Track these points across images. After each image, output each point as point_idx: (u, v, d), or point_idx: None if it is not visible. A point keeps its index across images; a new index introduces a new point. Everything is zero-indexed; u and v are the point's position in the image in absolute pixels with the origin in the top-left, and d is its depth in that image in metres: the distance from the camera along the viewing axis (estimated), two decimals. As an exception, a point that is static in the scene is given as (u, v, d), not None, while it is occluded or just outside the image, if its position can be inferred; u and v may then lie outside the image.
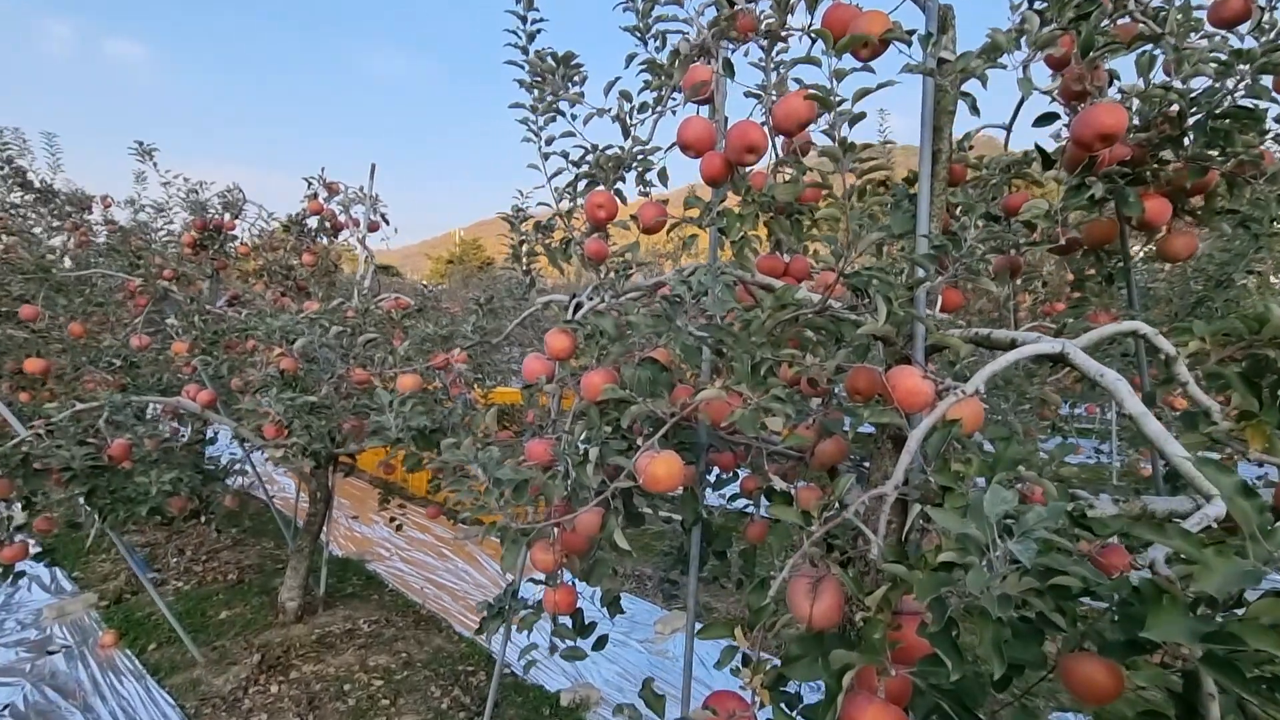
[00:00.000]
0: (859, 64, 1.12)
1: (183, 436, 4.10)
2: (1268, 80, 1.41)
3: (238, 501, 3.90)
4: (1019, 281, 1.83)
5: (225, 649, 3.57)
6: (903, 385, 1.16)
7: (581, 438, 1.51)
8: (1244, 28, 1.51)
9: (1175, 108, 1.48)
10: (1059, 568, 0.67)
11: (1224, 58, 1.32)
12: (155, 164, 4.88)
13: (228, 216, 4.83)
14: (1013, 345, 1.19)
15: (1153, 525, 0.65)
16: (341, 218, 4.03)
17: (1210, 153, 1.49)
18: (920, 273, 1.33)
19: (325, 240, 4.16)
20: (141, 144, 4.82)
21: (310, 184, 4.02)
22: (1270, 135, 1.55)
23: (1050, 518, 0.75)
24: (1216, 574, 0.54)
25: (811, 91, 0.99)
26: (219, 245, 4.81)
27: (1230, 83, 1.35)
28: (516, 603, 1.96)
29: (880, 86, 0.99)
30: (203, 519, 3.00)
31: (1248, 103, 1.38)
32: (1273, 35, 1.48)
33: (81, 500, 2.70)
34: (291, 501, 5.81)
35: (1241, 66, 1.32)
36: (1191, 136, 1.49)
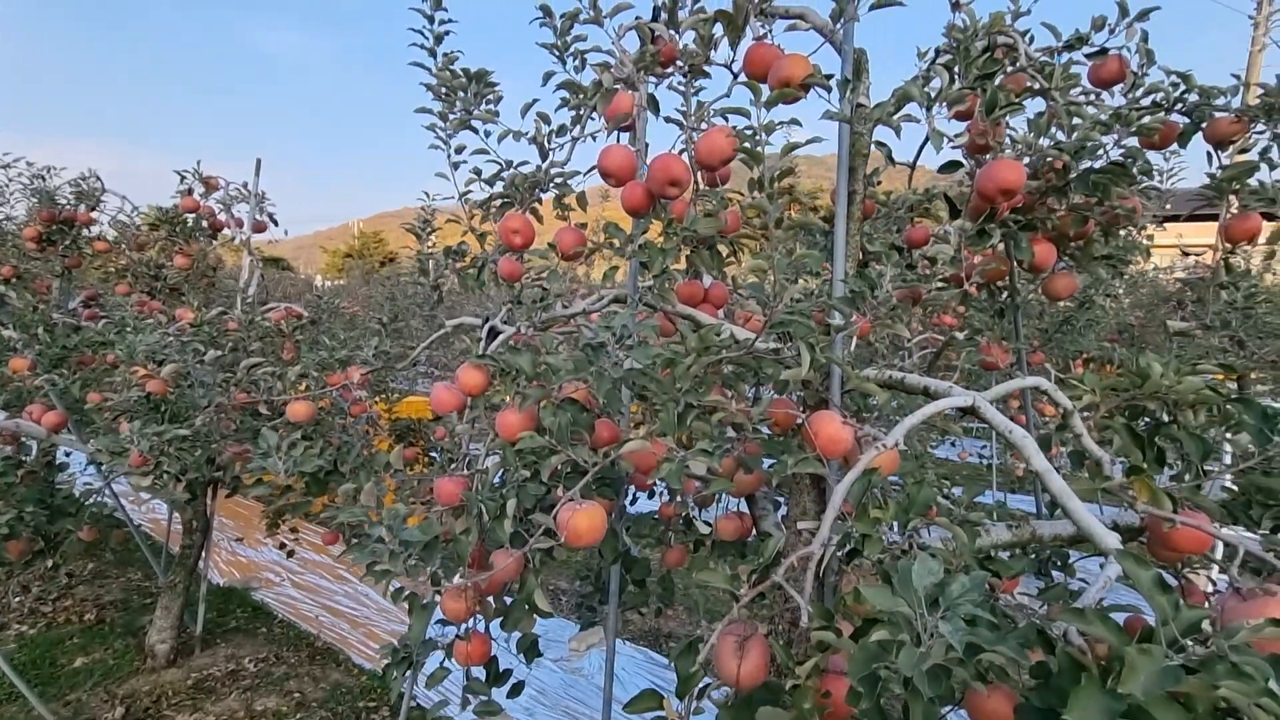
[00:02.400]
0: (784, 110, 1.12)
1: (27, 460, 3.58)
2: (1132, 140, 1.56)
3: (95, 532, 3.45)
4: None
5: (81, 703, 3.15)
6: (824, 432, 1.17)
7: (496, 478, 1.43)
8: (1117, 88, 1.67)
9: (1060, 161, 1.60)
10: (986, 645, 0.68)
11: (1105, 119, 1.43)
12: (-11, 144, 4.23)
13: (82, 208, 4.27)
14: (925, 391, 1.23)
15: (1074, 612, 0.67)
16: (222, 216, 3.65)
17: (1089, 202, 1.63)
18: (838, 317, 1.35)
19: (202, 240, 3.75)
20: (-29, 120, 4.17)
21: (184, 178, 3.61)
22: (1139, 187, 1.70)
23: (973, 589, 0.76)
24: (1140, 674, 0.56)
25: (743, 145, 0.97)
26: (71, 240, 4.23)
27: (1109, 140, 1.48)
28: (424, 646, 1.84)
29: (810, 141, 0.98)
30: (50, 563, 2.62)
31: (1120, 159, 1.52)
32: (1139, 94, 1.64)
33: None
34: (163, 525, 5.24)
35: (1119, 127, 1.44)
36: (1074, 187, 1.62)
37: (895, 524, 1.13)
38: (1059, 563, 2.00)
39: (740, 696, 1.00)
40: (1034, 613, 1.15)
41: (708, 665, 0.96)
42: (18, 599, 4.20)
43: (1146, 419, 1.19)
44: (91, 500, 2.70)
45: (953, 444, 5.10)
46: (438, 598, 1.32)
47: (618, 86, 1.32)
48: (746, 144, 0.92)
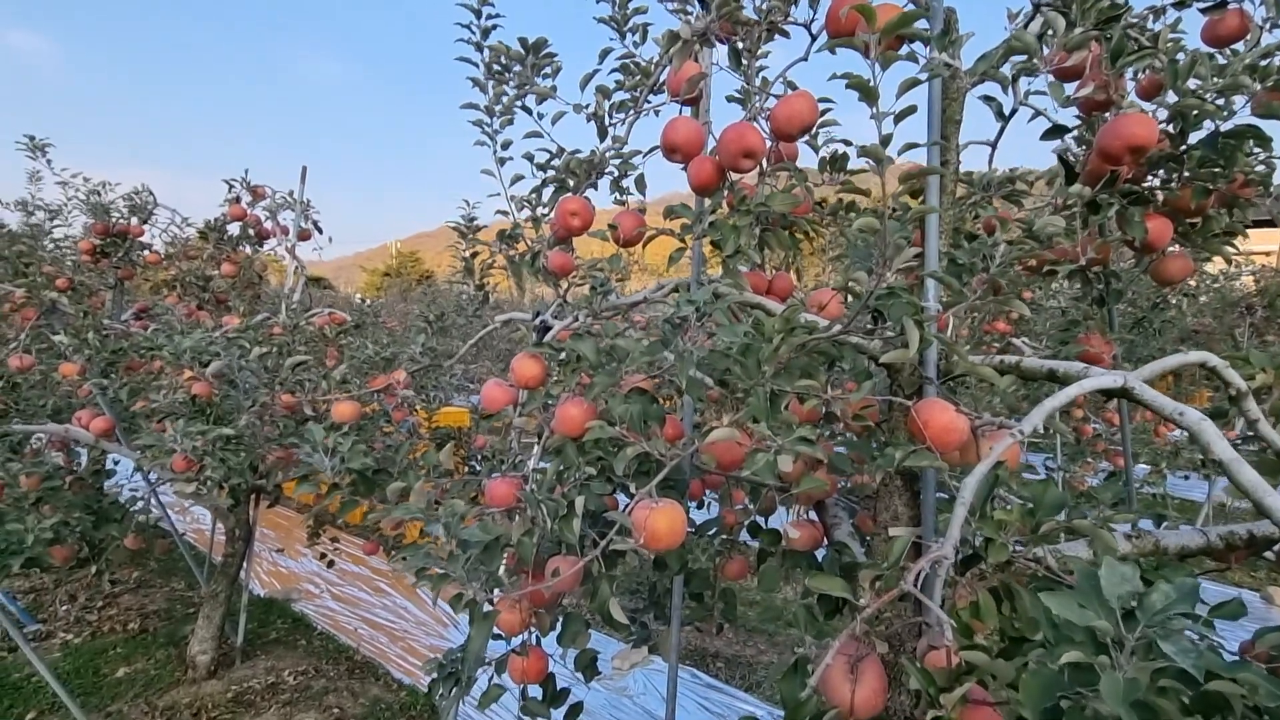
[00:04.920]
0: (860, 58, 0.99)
1: (77, 467, 3.61)
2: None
3: (141, 541, 3.44)
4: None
5: (122, 714, 3.11)
6: (936, 421, 1.02)
7: (553, 476, 1.30)
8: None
9: (1174, 125, 1.43)
10: (1222, 673, 0.53)
11: (1239, 72, 1.26)
12: (49, 161, 4.35)
13: (135, 221, 4.35)
14: (1051, 375, 1.08)
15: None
16: (268, 224, 3.66)
17: (1206, 172, 1.45)
18: (931, 292, 1.21)
19: (249, 249, 3.77)
20: (33, 139, 4.30)
21: (231, 187, 3.64)
22: (1261, 157, 1.52)
23: (1181, 600, 0.61)
24: None
25: (844, 75, 0.84)
26: (124, 252, 4.32)
27: (1239, 100, 1.31)
28: (474, 663, 1.72)
29: (932, 78, 0.85)
30: (94, 569, 2.59)
31: (1253, 121, 1.34)
32: (1255, 54, 1.45)
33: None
34: (206, 535, 5.26)
35: (1256, 85, 1.27)
36: (1188, 155, 1.45)
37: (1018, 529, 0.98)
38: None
39: (855, 727, 0.85)
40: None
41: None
42: (64, 608, 4.23)
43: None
44: (138, 507, 2.67)
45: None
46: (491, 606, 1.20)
47: (694, 40, 1.21)
48: (858, 81, 0.79)
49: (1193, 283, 4.45)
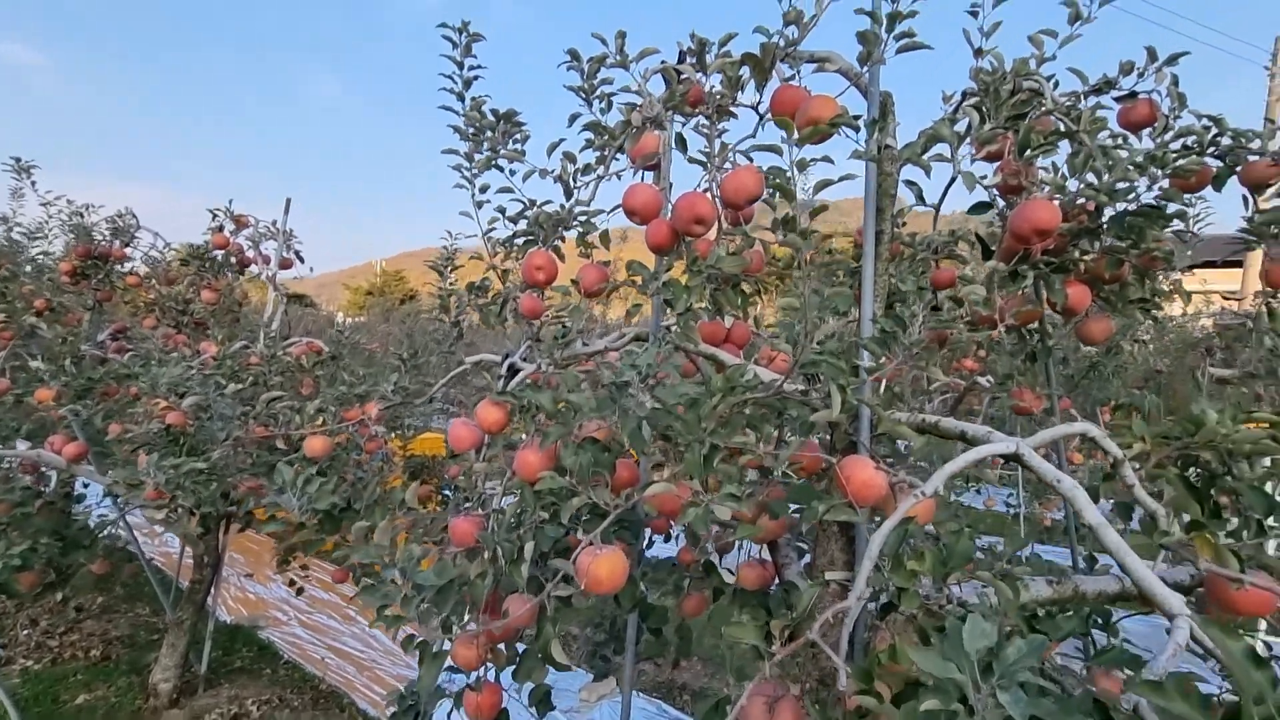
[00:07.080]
0: (814, 150, 1.11)
1: (46, 491, 3.59)
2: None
3: (108, 566, 3.42)
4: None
5: (79, 744, 3.07)
6: (857, 477, 1.12)
7: (514, 516, 1.38)
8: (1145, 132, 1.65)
9: (1093, 204, 1.57)
10: (1047, 718, 0.62)
11: (1139, 160, 1.41)
12: (34, 182, 4.39)
13: (117, 244, 4.39)
14: (962, 436, 1.18)
15: (1152, 686, 0.61)
16: (250, 253, 3.73)
17: (1122, 245, 1.59)
18: (866, 357, 1.31)
19: (230, 276, 3.82)
20: (18, 160, 4.34)
21: (215, 215, 3.71)
22: (1172, 230, 1.66)
23: (1030, 653, 0.70)
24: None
25: (775, 181, 0.95)
26: (104, 274, 4.34)
27: (1143, 183, 1.45)
28: (433, 696, 1.76)
29: (843, 179, 0.97)
30: (60, 596, 2.59)
31: (1154, 202, 1.49)
32: (1169, 137, 1.61)
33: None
34: (174, 559, 5.20)
35: (1153, 169, 1.41)
36: (1107, 229, 1.59)
37: (930, 577, 1.07)
38: (1100, 621, 1.89)
39: (771, 764, 0.93)
40: (1080, 676, 1.07)
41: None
42: (25, 632, 4.15)
43: (1198, 470, 1.12)
44: (105, 532, 2.68)
45: (977, 491, 4.94)
46: (449, 645, 1.26)
47: (646, 125, 1.33)
48: (778, 180, 0.90)
49: (1144, 328, 4.65)
